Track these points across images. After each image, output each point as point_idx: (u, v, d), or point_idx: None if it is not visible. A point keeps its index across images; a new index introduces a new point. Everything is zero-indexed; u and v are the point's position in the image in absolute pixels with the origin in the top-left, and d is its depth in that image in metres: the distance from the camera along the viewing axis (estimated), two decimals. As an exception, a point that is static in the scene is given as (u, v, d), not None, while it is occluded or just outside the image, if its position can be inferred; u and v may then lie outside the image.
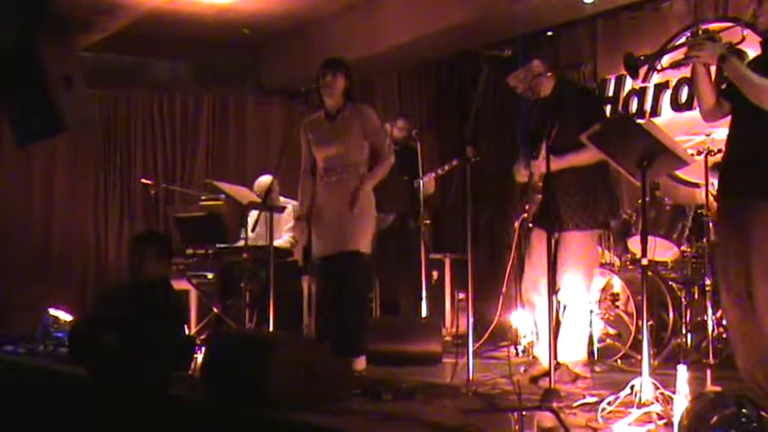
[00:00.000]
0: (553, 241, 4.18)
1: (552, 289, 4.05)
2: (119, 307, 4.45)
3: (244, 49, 8.74)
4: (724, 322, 5.07)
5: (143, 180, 7.40)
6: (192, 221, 6.52)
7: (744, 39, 3.43)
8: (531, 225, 4.44)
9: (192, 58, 8.91)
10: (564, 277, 4.29)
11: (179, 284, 5.89)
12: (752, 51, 3.76)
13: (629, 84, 6.59)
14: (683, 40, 3.55)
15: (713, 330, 4.87)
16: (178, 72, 9.02)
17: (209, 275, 6.44)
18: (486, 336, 5.29)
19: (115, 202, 8.56)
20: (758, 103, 3.24)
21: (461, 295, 6.89)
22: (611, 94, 6.71)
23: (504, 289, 4.88)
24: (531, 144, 4.36)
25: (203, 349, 4.49)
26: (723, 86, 3.51)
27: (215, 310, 6.20)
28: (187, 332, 5.51)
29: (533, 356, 4.67)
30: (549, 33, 7.10)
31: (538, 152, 4.23)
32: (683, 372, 3.23)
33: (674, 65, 3.62)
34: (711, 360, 4.74)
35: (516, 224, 4.56)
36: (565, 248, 4.29)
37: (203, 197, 6.82)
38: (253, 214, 5.85)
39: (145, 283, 4.37)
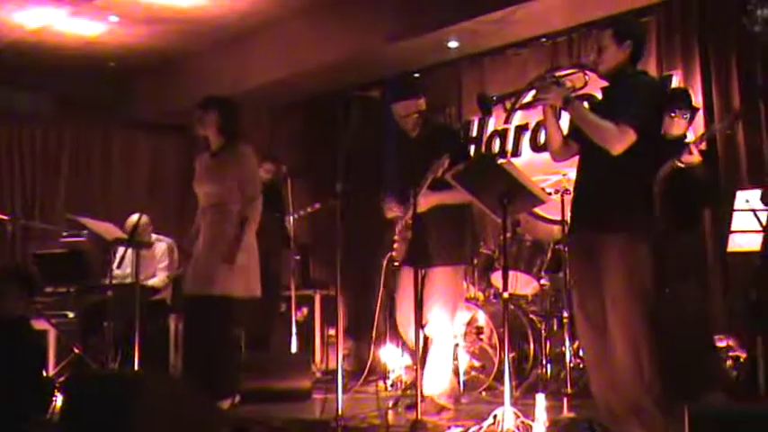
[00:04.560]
0: (420, 277, 4.29)
1: (419, 324, 4.16)
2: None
3: (110, 82, 8.55)
4: (581, 353, 5.32)
5: (-1, 215, 7.08)
6: (53, 258, 6.29)
7: (586, 83, 3.70)
8: (397, 264, 4.52)
9: (54, 90, 8.63)
10: (431, 312, 4.40)
11: (37, 324, 5.65)
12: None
13: (491, 125, 6.89)
14: (533, 84, 3.77)
15: (571, 361, 5.10)
16: (40, 104, 8.72)
17: (70, 314, 6.21)
18: (366, 373, 5.33)
19: (-32, 238, 8.13)
20: (599, 143, 3.49)
21: (331, 331, 6.93)
22: (474, 134, 6.98)
23: (374, 325, 4.94)
24: (402, 181, 4.47)
25: (63, 391, 4.33)
26: (570, 128, 3.75)
27: (76, 350, 5.98)
28: (46, 374, 5.29)
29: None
30: (416, 75, 7.34)
31: (408, 191, 4.33)
32: (541, 400, 3.40)
33: (524, 106, 3.84)
34: (569, 389, 4.94)
35: (384, 261, 4.64)
36: (431, 284, 4.41)
37: (65, 233, 6.59)
38: (120, 251, 5.72)
39: (1, 322, 4.18)
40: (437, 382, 4.47)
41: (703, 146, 4.50)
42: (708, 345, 4.64)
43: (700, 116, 5.61)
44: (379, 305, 4.66)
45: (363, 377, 5.33)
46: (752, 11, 5.11)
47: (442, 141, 4.45)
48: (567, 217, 5.38)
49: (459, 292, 4.64)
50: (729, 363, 4.77)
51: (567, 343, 5.11)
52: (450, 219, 4.43)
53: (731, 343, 4.85)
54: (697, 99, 5.64)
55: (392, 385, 5.65)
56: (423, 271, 4.37)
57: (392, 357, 5.75)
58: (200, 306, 4.63)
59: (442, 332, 4.46)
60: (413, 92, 4.59)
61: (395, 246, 4.47)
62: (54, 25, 6.95)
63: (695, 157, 4.36)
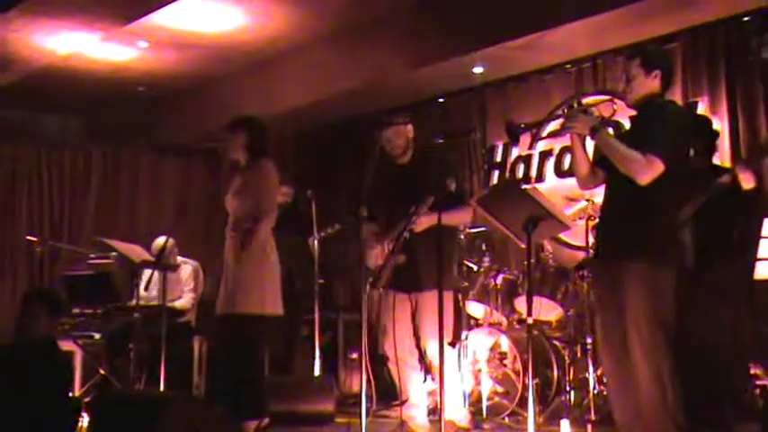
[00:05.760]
0: (414, 302, 4.32)
1: (442, 347, 4.14)
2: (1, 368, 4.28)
3: (138, 106, 8.68)
4: (605, 380, 5.29)
5: (29, 237, 7.18)
6: (81, 280, 6.37)
7: (615, 112, 3.71)
8: (382, 288, 4.46)
9: (83, 114, 8.77)
10: (431, 340, 4.35)
11: (64, 345, 5.71)
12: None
13: (515, 150, 6.90)
14: (560, 111, 3.78)
15: (594, 387, 5.07)
16: (68, 127, 8.86)
17: (97, 336, 6.28)
18: (376, 397, 5.29)
19: (-2, 258, 8.26)
20: (625, 172, 3.50)
21: (354, 354, 6.92)
22: (498, 159, 7.00)
23: (364, 349, 4.90)
24: (390, 208, 4.46)
25: (89, 412, 4.36)
26: (597, 156, 3.76)
27: (101, 371, 6.03)
28: (72, 394, 5.34)
29: (402, 420, 4.53)
30: (441, 100, 7.38)
31: (398, 217, 4.30)
32: (565, 427, 3.38)
33: (552, 134, 3.85)
34: (593, 416, 4.91)
35: (367, 286, 4.58)
36: (425, 311, 4.38)
37: (92, 255, 6.67)
38: (147, 273, 5.78)
39: (30, 343, 4.23)
40: (454, 405, 4.44)
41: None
42: (743, 375, 4.58)
43: (725, 142, 5.61)
44: (365, 330, 4.59)
45: (375, 401, 5.29)
46: (756, 51, 5.09)
47: (431, 168, 4.43)
48: (591, 243, 5.43)
49: (450, 316, 4.61)
50: (756, 391, 4.71)
51: (591, 369, 5.08)
52: (436, 243, 4.38)
53: (758, 371, 4.80)
54: (723, 126, 5.63)
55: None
56: (414, 297, 4.37)
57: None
58: (229, 325, 4.64)
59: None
60: (401, 118, 4.60)
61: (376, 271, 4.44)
62: (85, 51, 7.06)
63: (751, 183, 4.29)
